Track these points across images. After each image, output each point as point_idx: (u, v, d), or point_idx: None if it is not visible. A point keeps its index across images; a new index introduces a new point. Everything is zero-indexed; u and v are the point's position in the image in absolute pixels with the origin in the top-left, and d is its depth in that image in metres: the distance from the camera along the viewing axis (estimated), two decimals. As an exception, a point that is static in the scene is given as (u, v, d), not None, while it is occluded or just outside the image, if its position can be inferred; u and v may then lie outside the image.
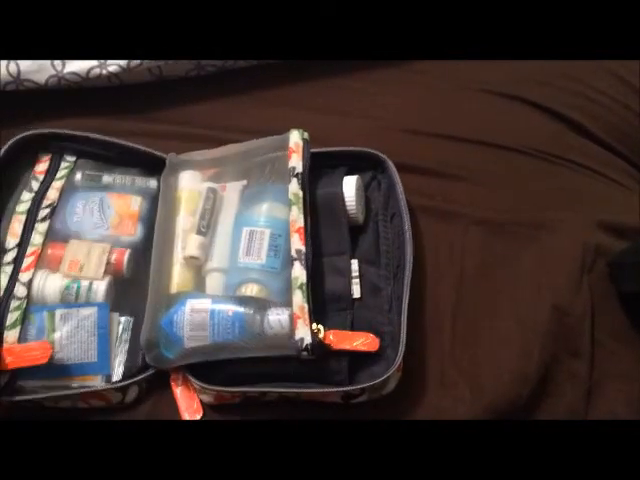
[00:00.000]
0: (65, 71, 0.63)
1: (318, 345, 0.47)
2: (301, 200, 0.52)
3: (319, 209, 0.55)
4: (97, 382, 0.50)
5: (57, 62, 0.63)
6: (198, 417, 0.50)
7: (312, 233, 0.52)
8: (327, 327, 0.49)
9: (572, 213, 0.59)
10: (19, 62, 0.62)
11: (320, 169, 0.58)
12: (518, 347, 0.52)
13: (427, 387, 0.51)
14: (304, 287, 0.49)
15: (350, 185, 0.56)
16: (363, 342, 0.49)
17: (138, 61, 0.63)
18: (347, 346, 0.49)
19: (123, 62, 0.63)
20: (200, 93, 0.67)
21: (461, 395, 0.50)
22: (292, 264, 0.50)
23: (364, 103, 0.67)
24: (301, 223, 0.51)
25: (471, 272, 0.56)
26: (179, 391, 0.51)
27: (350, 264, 0.54)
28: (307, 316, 0.48)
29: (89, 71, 0.63)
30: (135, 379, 0.50)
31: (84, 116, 0.65)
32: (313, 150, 0.57)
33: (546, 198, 0.60)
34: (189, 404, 0.51)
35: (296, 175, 0.53)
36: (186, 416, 0.50)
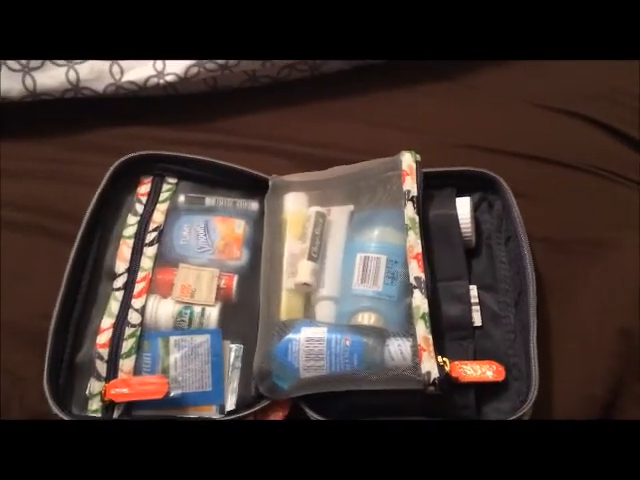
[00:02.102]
0: (123, 80, 0.64)
1: (446, 379, 0.44)
2: (417, 225, 0.50)
3: (432, 232, 0.53)
4: (212, 412, 0.48)
5: (116, 70, 0.64)
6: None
7: (428, 258, 0.50)
8: (449, 358, 0.47)
9: (632, 231, 0.57)
10: (78, 69, 0.63)
11: (425, 189, 0.55)
12: (584, 370, 0.50)
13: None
14: (426, 317, 0.46)
15: (464, 207, 0.54)
16: (489, 372, 0.47)
17: (195, 70, 0.63)
18: (473, 378, 0.46)
19: (180, 71, 0.63)
20: (254, 104, 0.67)
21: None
22: (412, 292, 0.48)
23: (418, 116, 0.66)
24: (419, 249, 0.49)
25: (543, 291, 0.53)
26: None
27: (469, 289, 0.51)
28: (432, 348, 0.45)
29: (147, 80, 0.64)
30: (251, 410, 0.48)
31: (138, 125, 0.66)
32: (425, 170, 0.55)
33: (605, 216, 0.59)
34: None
35: (411, 199, 0.51)
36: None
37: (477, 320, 0.51)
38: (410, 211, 0.51)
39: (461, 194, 0.56)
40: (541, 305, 0.50)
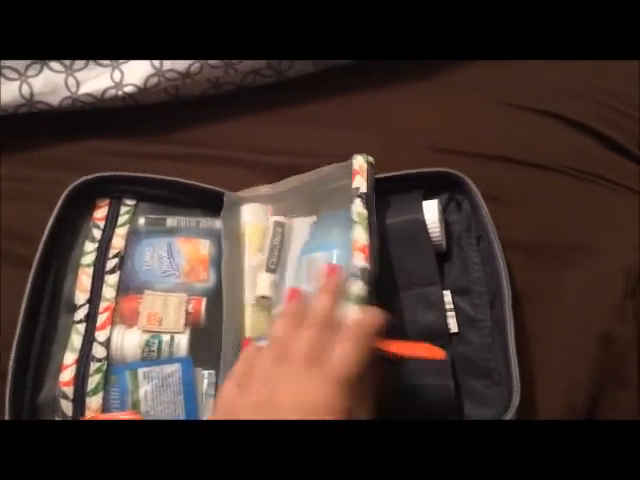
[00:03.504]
0: (80, 92, 0.61)
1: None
2: (366, 219, 0.48)
3: (400, 238, 0.52)
4: (188, 444, 0.46)
5: (71, 83, 0.61)
6: None
7: (382, 258, 0.47)
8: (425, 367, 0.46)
9: (612, 234, 0.56)
10: (32, 83, 0.61)
11: (389, 194, 0.55)
12: (566, 377, 0.50)
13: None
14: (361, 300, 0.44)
15: (432, 210, 0.52)
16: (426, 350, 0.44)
17: (155, 80, 0.61)
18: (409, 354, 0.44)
19: (139, 82, 0.61)
20: (218, 112, 0.65)
21: None
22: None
23: (388, 118, 0.64)
24: (365, 242, 0.47)
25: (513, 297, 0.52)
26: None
27: (442, 295, 0.50)
28: None
29: (104, 92, 0.61)
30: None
31: (97, 138, 0.63)
32: (381, 175, 0.54)
33: (584, 218, 0.57)
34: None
35: (360, 195, 0.50)
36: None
37: (453, 326, 0.50)
38: (358, 207, 0.49)
39: (429, 196, 0.55)
40: (519, 312, 0.49)
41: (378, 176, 0.55)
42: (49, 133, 0.64)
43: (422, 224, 0.52)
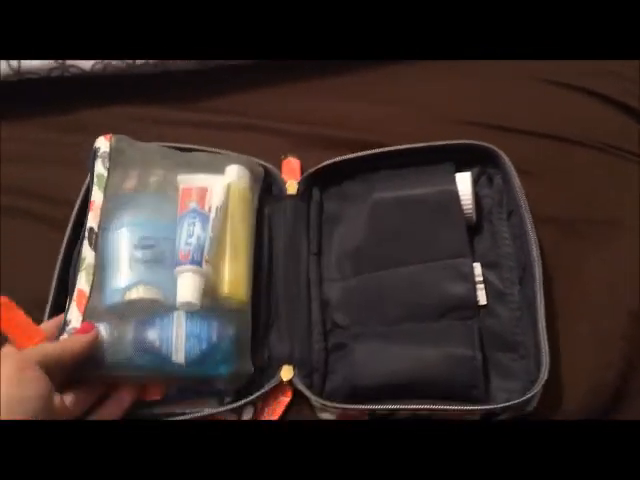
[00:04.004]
0: None
1: None
2: (105, 181, 0.50)
3: (430, 208, 0.51)
4: (212, 404, 0.47)
5: None
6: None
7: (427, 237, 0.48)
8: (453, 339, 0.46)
9: None
10: None
11: (419, 165, 0.54)
12: (595, 353, 0.49)
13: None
14: (90, 270, 0.46)
15: (465, 182, 0.52)
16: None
17: None
18: None
19: None
20: (250, 82, 0.65)
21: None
22: (81, 243, 0.48)
23: (420, 92, 0.63)
24: (98, 200, 0.49)
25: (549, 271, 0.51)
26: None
27: (473, 267, 0.49)
28: (85, 302, 0.45)
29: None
30: (249, 399, 0.46)
31: (125, 104, 0.64)
32: (411, 145, 0.54)
33: (615, 194, 0.56)
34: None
35: (102, 155, 0.51)
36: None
37: (482, 299, 0.49)
38: (100, 168, 0.50)
39: (460, 169, 0.54)
40: (548, 287, 0.48)
41: (409, 146, 0.55)
42: (80, 99, 0.64)
43: (455, 195, 0.51)
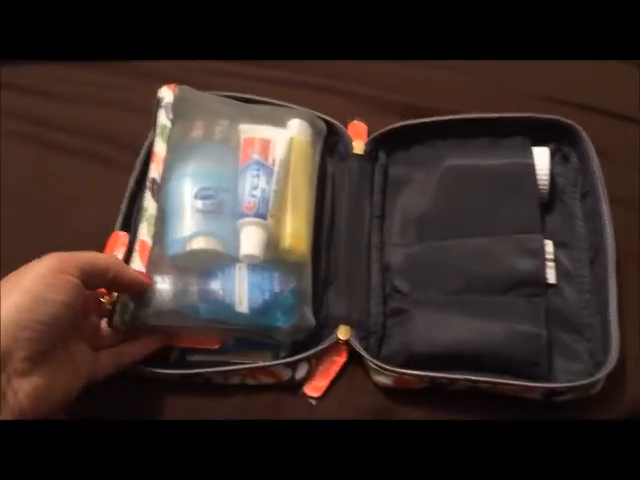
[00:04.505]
0: None
1: None
2: (167, 132, 0.49)
3: (503, 180, 0.50)
4: (266, 357, 0.46)
5: None
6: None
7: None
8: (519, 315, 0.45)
9: None
10: None
11: (487, 137, 0.53)
12: None
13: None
14: (152, 220, 0.46)
15: (543, 157, 0.50)
16: None
17: None
18: None
19: None
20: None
21: None
22: (143, 192, 0.48)
23: (496, 64, 0.61)
24: (162, 153, 0.48)
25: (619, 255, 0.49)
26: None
27: (544, 244, 0.48)
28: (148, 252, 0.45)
29: None
30: (304, 355, 0.46)
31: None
32: (489, 115, 0.53)
33: None
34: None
35: (165, 106, 0.51)
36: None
37: (551, 277, 0.47)
38: (163, 119, 0.50)
39: (536, 143, 0.52)
40: (618, 270, 0.46)
41: (483, 115, 0.53)
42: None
43: (531, 169, 0.50)
